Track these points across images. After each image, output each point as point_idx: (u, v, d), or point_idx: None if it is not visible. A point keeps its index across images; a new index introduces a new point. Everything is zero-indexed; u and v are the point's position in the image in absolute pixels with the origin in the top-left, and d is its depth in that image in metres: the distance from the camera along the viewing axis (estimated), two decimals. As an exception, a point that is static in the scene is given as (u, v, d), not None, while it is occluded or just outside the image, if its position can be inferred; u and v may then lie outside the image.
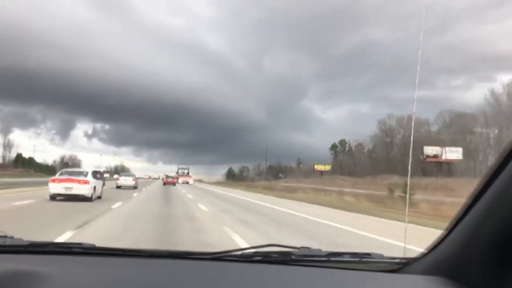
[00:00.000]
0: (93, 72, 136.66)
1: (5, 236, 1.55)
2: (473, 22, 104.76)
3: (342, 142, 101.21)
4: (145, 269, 1.38)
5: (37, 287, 1.12)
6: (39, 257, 1.46)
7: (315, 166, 77.96)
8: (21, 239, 1.54)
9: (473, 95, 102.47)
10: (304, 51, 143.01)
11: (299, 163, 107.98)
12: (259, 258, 1.48)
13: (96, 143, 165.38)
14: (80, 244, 1.53)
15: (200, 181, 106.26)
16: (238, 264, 1.49)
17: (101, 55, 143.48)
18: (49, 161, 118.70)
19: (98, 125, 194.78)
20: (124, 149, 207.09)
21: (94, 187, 18.06)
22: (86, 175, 17.90)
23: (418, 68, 2.10)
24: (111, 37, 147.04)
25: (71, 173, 18.14)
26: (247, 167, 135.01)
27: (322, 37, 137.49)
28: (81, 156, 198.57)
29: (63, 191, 16.99)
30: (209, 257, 1.50)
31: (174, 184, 53.33)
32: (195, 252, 1.56)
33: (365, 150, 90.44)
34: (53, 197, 17.17)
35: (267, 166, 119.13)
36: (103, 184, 20.96)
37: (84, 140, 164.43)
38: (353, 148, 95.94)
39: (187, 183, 66.89)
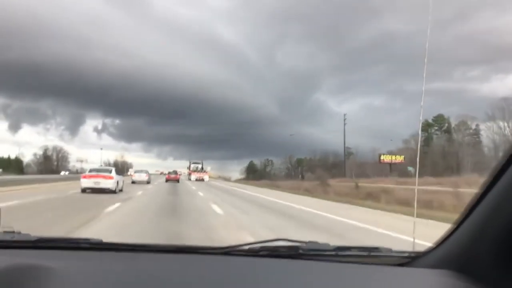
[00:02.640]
0: (105, 65, 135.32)
1: (13, 232, 1.56)
2: (493, 11, 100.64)
3: (439, 119, 72.52)
4: (152, 263, 1.39)
5: (44, 282, 1.12)
6: (46, 252, 1.47)
7: (382, 157, 57.76)
8: (28, 235, 1.56)
9: (490, 86, 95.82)
10: (318, 43, 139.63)
11: (348, 154, 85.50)
12: (267, 252, 1.49)
13: (106, 138, 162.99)
14: (87, 239, 1.54)
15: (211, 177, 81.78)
16: (245, 258, 1.49)
17: (113, 47, 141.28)
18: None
19: (108, 120, 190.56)
20: (134, 145, 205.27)
21: (117, 182, 21.74)
22: (110, 172, 21.72)
23: (425, 60, 2.07)
24: (124, 29, 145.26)
25: (98, 170, 22.05)
26: (271, 160, 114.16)
27: (337, 28, 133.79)
28: (74, 150, 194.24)
29: (92, 185, 20.64)
30: (217, 251, 1.51)
31: (177, 180, 45.74)
32: (203, 247, 1.56)
33: (471, 129, 65.63)
34: (84, 190, 20.78)
35: (293, 160, 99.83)
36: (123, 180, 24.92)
37: (93, 136, 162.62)
38: (454, 127, 69.05)
39: (202, 180, 55.50)
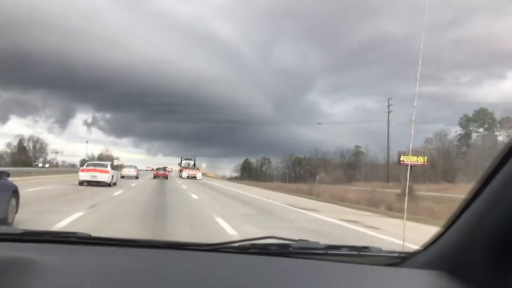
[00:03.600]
0: (98, 57, 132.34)
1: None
2: (489, 17, 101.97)
3: (481, 113, 62.47)
4: (141, 259, 1.38)
5: (30, 275, 1.11)
6: (33, 245, 1.44)
7: (402, 158, 46.10)
8: (15, 228, 1.58)
9: (482, 91, 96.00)
10: (313, 42, 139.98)
11: (356, 153, 79.70)
12: (257, 250, 1.48)
13: (95, 132, 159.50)
14: (75, 233, 1.52)
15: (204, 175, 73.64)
16: (235, 255, 1.48)
17: (108, 40, 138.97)
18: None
19: (99, 114, 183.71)
20: (124, 140, 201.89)
21: (112, 176, 23.76)
22: (106, 167, 23.83)
23: (419, 62, 2.04)
24: (119, 22, 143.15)
25: (95, 165, 24.22)
26: (268, 159, 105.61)
27: (333, 28, 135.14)
28: (54, 140, 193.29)
29: (89, 178, 22.71)
30: (206, 248, 1.50)
31: (166, 177, 44.10)
32: (192, 243, 1.55)
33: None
34: (81, 183, 22.68)
35: (292, 159, 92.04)
36: (118, 174, 26.65)
37: (83, 130, 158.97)
38: (498, 124, 59.32)
39: (194, 177, 52.17)
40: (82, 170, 23.56)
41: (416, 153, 48.59)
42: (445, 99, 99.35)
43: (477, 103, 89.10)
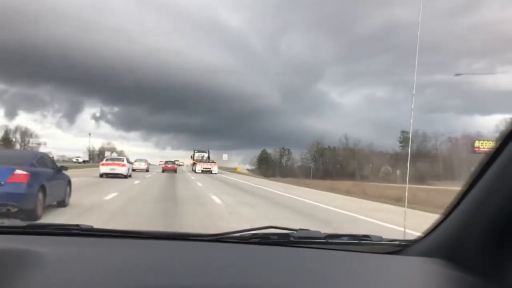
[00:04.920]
0: (107, 49, 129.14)
1: (2, 218, 1.58)
2: (503, 1, 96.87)
3: None
4: (143, 250, 1.40)
5: (34, 268, 1.12)
6: (36, 237, 1.47)
7: (477, 144, 42.00)
8: (18, 220, 1.58)
9: (494, 78, 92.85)
10: (322, 31, 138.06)
11: (406, 141, 67.47)
12: (258, 239, 1.50)
13: (104, 126, 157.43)
14: (77, 225, 1.54)
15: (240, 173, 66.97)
16: (236, 245, 1.49)
17: (115, 31, 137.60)
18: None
19: (107, 108, 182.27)
20: (132, 134, 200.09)
21: (128, 169, 27.02)
22: (123, 161, 27.18)
23: (417, 49, 2.08)
24: (126, 12, 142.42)
25: (113, 159, 27.72)
26: (288, 149, 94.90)
27: (342, 17, 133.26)
28: (41, 131, 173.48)
29: (109, 171, 25.81)
30: (208, 238, 1.52)
31: (175, 171, 42.58)
32: (194, 234, 1.57)
33: None
34: (101, 175, 25.59)
35: (319, 148, 79.13)
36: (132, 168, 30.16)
37: (91, 124, 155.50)
38: None
39: (210, 172, 46.70)
40: (103, 164, 26.80)
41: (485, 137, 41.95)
42: (457, 87, 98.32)
43: (490, 91, 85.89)
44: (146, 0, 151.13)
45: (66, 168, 10.69)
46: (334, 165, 73.69)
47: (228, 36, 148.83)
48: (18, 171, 7.90)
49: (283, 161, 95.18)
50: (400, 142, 72.76)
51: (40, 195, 8.27)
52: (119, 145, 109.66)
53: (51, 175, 9.20)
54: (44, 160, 9.58)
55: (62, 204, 9.96)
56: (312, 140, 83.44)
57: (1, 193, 7.61)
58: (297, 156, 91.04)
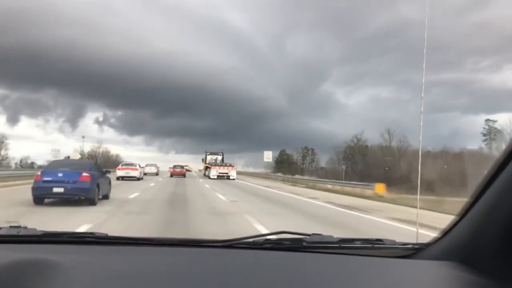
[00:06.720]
0: (111, 52, 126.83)
1: (19, 226, 1.58)
2: None
3: None
4: (157, 257, 1.41)
5: (51, 277, 1.12)
6: (52, 246, 1.49)
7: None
8: (34, 229, 1.59)
9: (501, 77, 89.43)
10: (328, 32, 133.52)
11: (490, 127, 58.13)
12: (271, 245, 1.50)
13: (107, 131, 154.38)
14: (92, 233, 1.57)
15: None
16: (249, 251, 1.50)
17: (119, 33, 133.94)
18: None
19: (110, 112, 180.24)
20: (136, 138, 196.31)
21: (140, 172, 31.94)
22: (136, 166, 32.07)
23: (424, 51, 1.96)
24: (130, 14, 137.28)
25: (127, 164, 32.52)
26: (312, 149, 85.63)
27: (347, 17, 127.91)
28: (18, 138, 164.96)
29: (124, 174, 30.59)
30: (221, 244, 1.52)
31: (183, 175, 39.66)
32: (206, 240, 1.58)
33: None
34: (118, 179, 29.98)
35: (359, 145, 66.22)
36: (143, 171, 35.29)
37: (94, 128, 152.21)
38: None
39: (227, 177, 38.36)
40: (119, 169, 31.48)
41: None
42: (463, 86, 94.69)
43: (496, 90, 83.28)
44: (151, 2, 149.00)
45: (109, 172, 15.19)
46: (376, 167, 55.44)
47: (234, 37, 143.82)
48: (84, 174, 12.26)
49: (306, 162, 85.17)
50: (484, 135, 60.30)
51: (97, 190, 12.63)
52: (122, 150, 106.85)
53: (100, 177, 13.54)
54: (96, 166, 14.06)
55: (106, 197, 14.26)
56: (343, 140, 71.15)
57: (74, 187, 11.98)
58: (321, 157, 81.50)
